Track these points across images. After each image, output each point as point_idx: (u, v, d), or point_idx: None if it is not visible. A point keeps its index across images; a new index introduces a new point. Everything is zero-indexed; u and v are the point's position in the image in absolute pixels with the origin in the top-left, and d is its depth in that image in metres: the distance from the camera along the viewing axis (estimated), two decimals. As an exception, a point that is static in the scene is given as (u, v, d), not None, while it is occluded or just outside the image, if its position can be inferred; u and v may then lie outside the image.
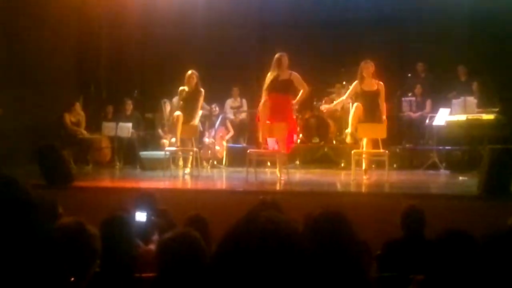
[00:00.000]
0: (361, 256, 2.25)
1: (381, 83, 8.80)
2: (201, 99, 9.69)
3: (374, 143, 8.78)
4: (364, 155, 8.77)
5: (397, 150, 10.59)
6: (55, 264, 1.27)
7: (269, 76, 8.67)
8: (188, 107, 9.61)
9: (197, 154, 9.80)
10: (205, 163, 10.83)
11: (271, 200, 4.67)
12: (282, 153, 8.73)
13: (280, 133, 8.63)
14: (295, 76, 8.67)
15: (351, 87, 9.00)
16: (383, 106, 8.78)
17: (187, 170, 9.79)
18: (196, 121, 10.03)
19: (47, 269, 1.23)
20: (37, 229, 1.24)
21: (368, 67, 8.73)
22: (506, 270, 2.15)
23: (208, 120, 11.52)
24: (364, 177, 8.70)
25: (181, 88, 9.69)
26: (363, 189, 8.38)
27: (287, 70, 8.66)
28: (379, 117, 8.71)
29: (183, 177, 9.77)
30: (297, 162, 10.84)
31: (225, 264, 1.21)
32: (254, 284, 1.18)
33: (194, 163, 9.70)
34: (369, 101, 8.72)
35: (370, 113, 8.73)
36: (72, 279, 2.23)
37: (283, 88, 8.63)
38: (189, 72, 9.59)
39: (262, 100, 8.69)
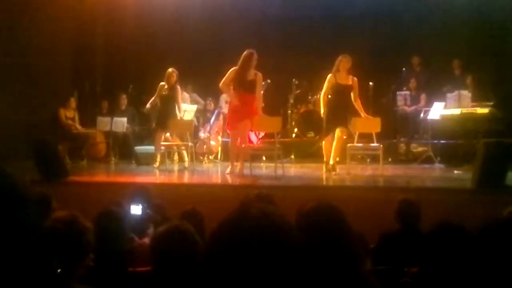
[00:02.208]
0: (356, 248, 2.25)
1: (355, 79, 8.81)
2: (178, 96, 9.85)
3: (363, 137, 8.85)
4: (334, 148, 8.76)
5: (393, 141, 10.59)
6: (42, 257, 1.26)
7: (234, 72, 8.66)
8: (166, 104, 9.76)
9: (192, 149, 9.83)
10: (200, 158, 10.84)
11: (265, 194, 4.69)
12: (244, 147, 8.79)
13: (245, 129, 8.73)
14: (259, 78, 8.74)
15: (326, 82, 8.93)
16: (359, 102, 8.82)
17: (186, 164, 9.83)
18: (191, 115, 10.05)
19: (33, 261, 1.23)
20: (24, 222, 1.23)
21: (345, 61, 8.73)
22: (500, 260, 2.15)
23: (202, 115, 11.52)
24: (333, 173, 8.71)
25: (161, 83, 9.79)
26: (356, 183, 8.39)
27: (253, 70, 8.69)
28: (353, 111, 8.73)
29: (179, 172, 9.79)
30: (292, 157, 10.84)
31: (217, 257, 1.21)
32: (247, 277, 1.18)
33: (189, 158, 9.78)
34: (341, 94, 8.73)
35: (342, 107, 8.72)
36: (59, 270, 2.22)
37: (250, 88, 8.70)
38: (170, 70, 9.69)
39: (230, 99, 8.77)
